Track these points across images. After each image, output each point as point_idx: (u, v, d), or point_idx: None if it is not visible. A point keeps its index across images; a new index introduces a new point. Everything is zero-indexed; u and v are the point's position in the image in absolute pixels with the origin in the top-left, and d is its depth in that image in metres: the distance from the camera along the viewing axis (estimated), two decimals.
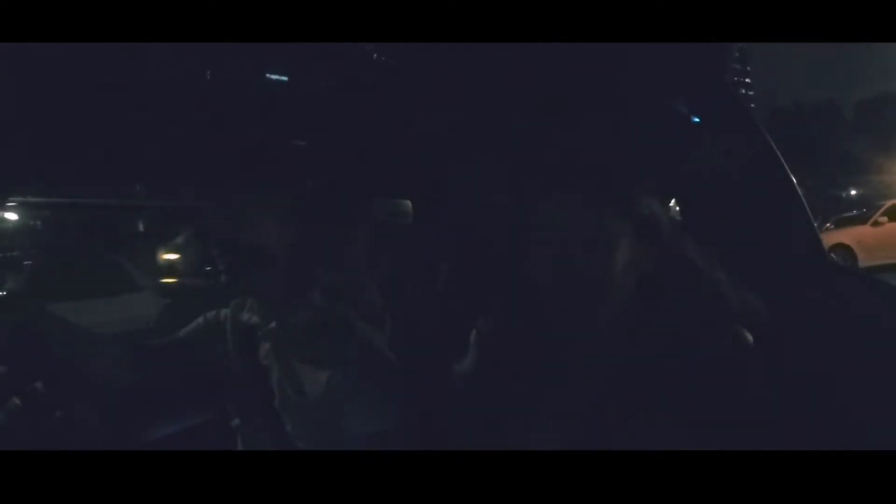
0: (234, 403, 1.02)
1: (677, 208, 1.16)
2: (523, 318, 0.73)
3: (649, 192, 0.70)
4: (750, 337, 0.63)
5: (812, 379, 0.71)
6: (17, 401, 0.85)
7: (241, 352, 0.98)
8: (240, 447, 0.99)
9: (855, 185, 22.84)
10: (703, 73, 0.99)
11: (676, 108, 1.06)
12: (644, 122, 1.08)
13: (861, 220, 9.01)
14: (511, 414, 0.69)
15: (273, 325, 0.93)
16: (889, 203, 8.97)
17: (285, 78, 1.01)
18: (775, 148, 0.97)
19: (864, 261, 7.92)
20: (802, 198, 0.97)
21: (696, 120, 1.05)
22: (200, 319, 1.08)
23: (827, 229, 9.05)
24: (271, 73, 1.00)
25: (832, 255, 0.99)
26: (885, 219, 8.48)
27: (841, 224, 9.36)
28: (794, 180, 0.98)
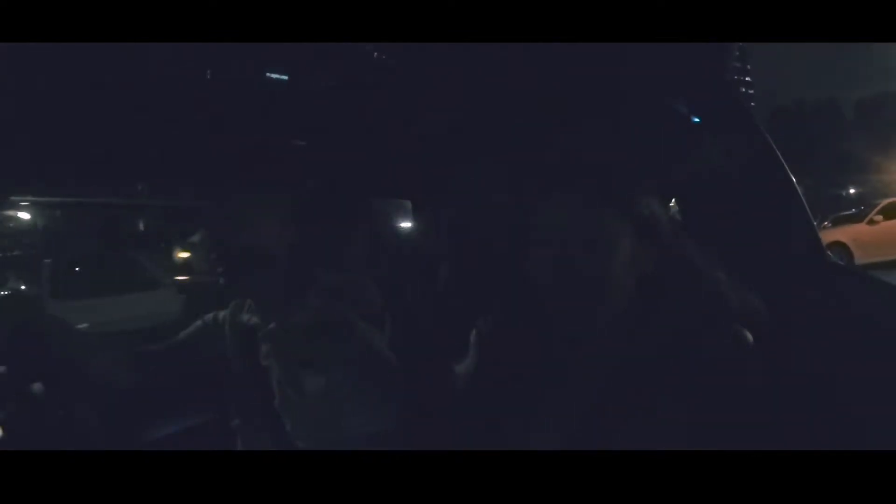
0: (234, 403, 1.02)
1: (677, 208, 1.16)
2: (523, 319, 0.73)
3: (649, 192, 0.70)
4: (750, 337, 0.63)
5: (812, 379, 0.71)
6: (17, 401, 0.85)
7: (240, 352, 0.98)
8: (240, 447, 0.99)
9: (854, 183, 22.85)
10: (703, 73, 0.99)
11: (676, 108, 1.06)
12: (644, 122, 1.08)
13: (857, 218, 9.13)
14: (511, 414, 0.69)
15: (273, 325, 0.93)
16: (884, 202, 9.12)
17: (285, 78, 1.01)
18: (775, 148, 0.97)
19: (860, 258, 8.04)
20: (802, 197, 0.97)
21: (696, 120, 1.05)
22: (199, 321, 1.08)
23: (825, 228, 9.14)
24: (271, 73, 1.00)
25: (829, 252, 0.99)
26: (880, 217, 8.62)
27: (838, 222, 9.48)
28: (794, 180, 0.98)
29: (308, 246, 0.98)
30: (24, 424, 0.86)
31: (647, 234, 0.67)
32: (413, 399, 0.88)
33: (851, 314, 0.81)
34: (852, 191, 22.92)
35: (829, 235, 8.33)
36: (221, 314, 1.06)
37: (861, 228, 8.59)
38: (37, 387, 0.90)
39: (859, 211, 9.73)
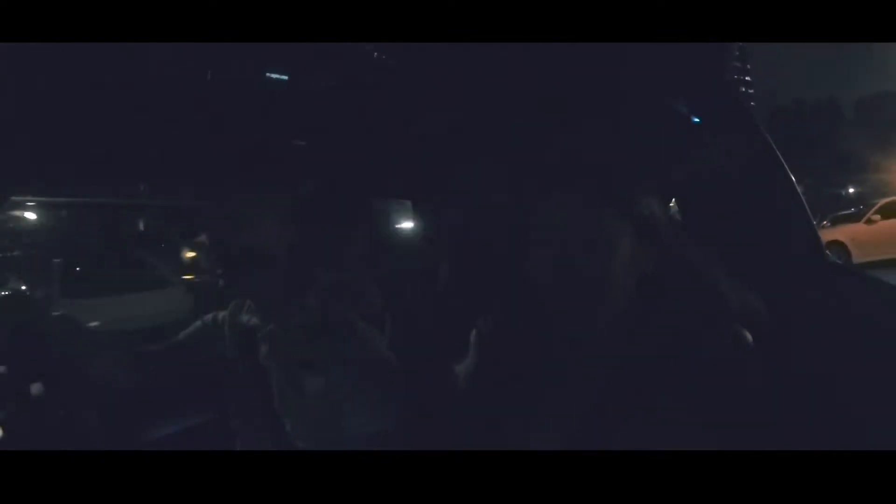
0: (234, 403, 1.02)
1: (677, 208, 1.16)
2: (523, 319, 0.73)
3: (649, 192, 0.70)
4: (750, 337, 0.63)
5: (812, 379, 0.71)
6: (17, 401, 0.85)
7: (240, 352, 0.98)
8: (240, 447, 0.99)
9: (853, 183, 22.85)
10: (703, 73, 0.98)
11: (676, 108, 1.06)
12: (644, 122, 1.08)
13: (855, 217, 9.21)
14: (511, 414, 0.69)
15: (273, 325, 0.93)
16: (882, 202, 9.21)
17: (285, 78, 1.01)
18: (775, 148, 0.97)
19: (857, 257, 8.14)
20: (802, 197, 0.97)
21: (696, 120, 1.05)
22: (199, 321, 1.08)
23: (824, 227, 9.22)
24: (271, 73, 0.99)
25: (827, 252, 0.99)
26: (878, 217, 8.71)
27: (836, 222, 9.56)
28: (794, 180, 0.97)
29: (308, 246, 0.98)
30: (24, 424, 0.87)
31: (647, 234, 0.67)
32: (413, 399, 0.88)
33: (851, 314, 0.81)
34: (851, 190, 22.91)
35: (827, 235, 8.41)
36: (221, 314, 1.06)
37: (859, 228, 8.68)
38: (37, 387, 0.91)
39: (857, 210, 9.80)
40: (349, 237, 1.21)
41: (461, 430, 0.73)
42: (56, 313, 0.99)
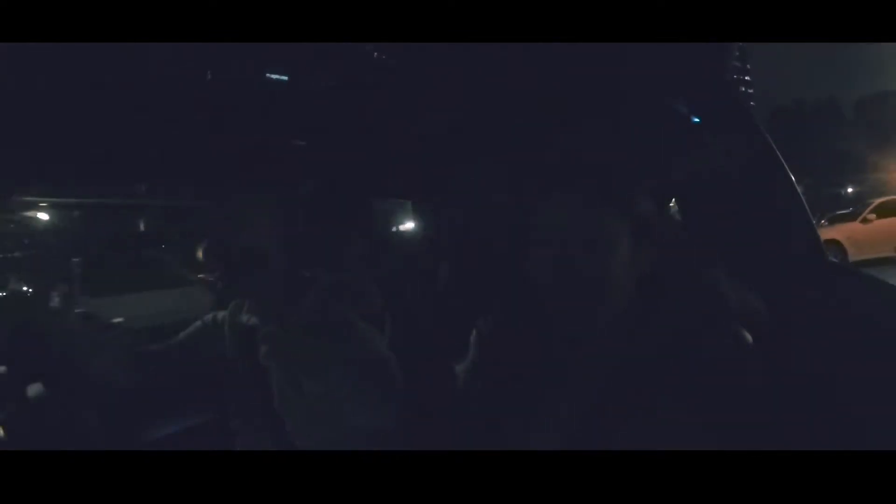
0: (234, 403, 1.02)
1: (677, 208, 1.16)
2: (523, 319, 0.73)
3: (649, 192, 0.70)
4: (750, 337, 0.63)
5: (812, 379, 0.71)
6: (17, 401, 0.85)
7: (240, 352, 0.98)
8: (240, 447, 0.99)
9: (853, 183, 22.87)
10: (703, 73, 0.98)
11: (676, 108, 1.06)
12: (644, 122, 1.08)
13: (852, 217, 9.35)
14: (511, 414, 0.69)
15: (273, 325, 0.93)
16: (877, 201, 9.38)
17: (285, 78, 1.01)
18: (775, 148, 0.97)
19: (853, 256, 8.30)
20: (802, 197, 0.97)
21: (696, 120, 1.05)
22: (199, 321, 1.08)
23: (822, 226, 9.33)
24: (271, 73, 0.99)
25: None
26: (873, 216, 8.86)
27: (834, 221, 9.69)
28: (794, 179, 0.97)
29: (308, 246, 0.98)
30: (24, 424, 0.87)
31: (647, 234, 0.67)
32: (413, 399, 0.88)
33: (851, 314, 0.81)
34: (850, 190, 22.93)
35: (824, 234, 8.55)
36: (221, 314, 1.06)
37: (855, 227, 8.81)
38: (37, 387, 0.91)
39: (854, 210, 9.94)
40: (349, 237, 1.21)
41: (461, 430, 0.73)
42: (66, 312, 1.00)
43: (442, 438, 0.72)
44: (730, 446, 0.51)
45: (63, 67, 0.79)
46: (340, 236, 1.19)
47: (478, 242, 1.28)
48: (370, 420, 0.85)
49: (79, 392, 0.97)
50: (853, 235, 8.55)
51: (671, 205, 1.17)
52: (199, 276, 0.93)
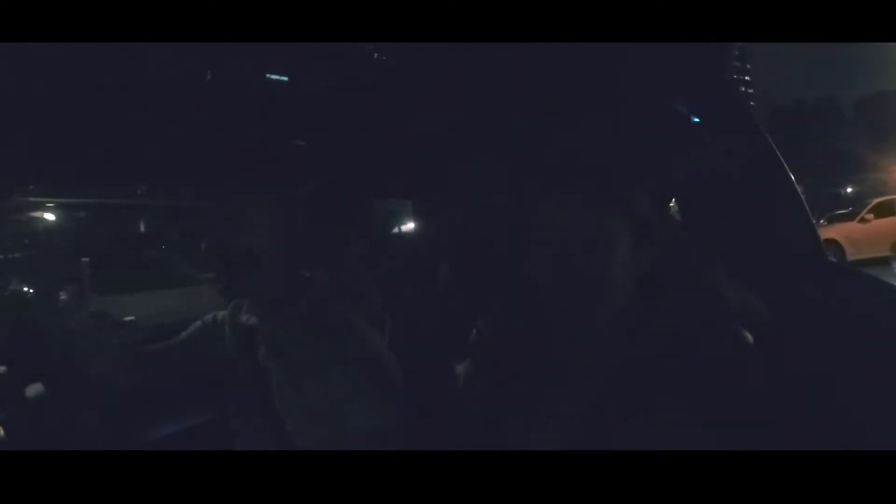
0: (234, 403, 1.02)
1: (677, 208, 1.16)
2: (523, 319, 0.73)
3: (649, 192, 0.70)
4: (750, 337, 0.63)
5: (812, 379, 0.71)
6: (17, 401, 0.85)
7: (240, 352, 0.98)
8: (240, 447, 0.99)
9: (852, 182, 22.89)
10: (703, 73, 0.98)
11: (676, 108, 1.06)
12: (644, 122, 1.08)
13: (850, 216, 9.49)
14: (511, 414, 0.69)
15: (273, 325, 0.93)
16: (875, 201, 9.51)
17: (285, 78, 1.01)
18: (775, 148, 0.97)
19: (851, 255, 8.44)
20: (802, 197, 0.97)
21: (696, 120, 1.05)
22: (199, 321, 1.08)
23: (820, 226, 9.40)
24: (271, 73, 0.99)
25: None
26: (871, 216, 8.99)
27: (832, 221, 9.82)
28: (794, 179, 0.98)
29: (308, 246, 0.98)
30: (24, 424, 0.87)
31: (647, 234, 0.67)
32: (413, 399, 0.88)
33: (851, 314, 0.81)
34: (850, 190, 22.95)
35: (823, 233, 8.61)
36: (221, 314, 1.06)
37: (853, 226, 8.93)
38: (37, 387, 0.91)
39: (852, 210, 10.06)
40: (349, 237, 1.21)
41: (461, 430, 0.73)
42: (77, 311, 1.00)
43: (442, 438, 0.72)
44: (730, 446, 0.51)
45: (63, 67, 0.79)
46: (340, 236, 1.19)
47: (478, 242, 1.28)
48: (370, 420, 0.85)
49: (79, 392, 0.97)
50: (851, 235, 8.67)
51: (671, 205, 1.17)
52: (207, 275, 0.93)
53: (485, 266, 1.10)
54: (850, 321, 0.80)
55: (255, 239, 0.90)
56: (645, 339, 0.64)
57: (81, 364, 0.95)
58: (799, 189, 0.98)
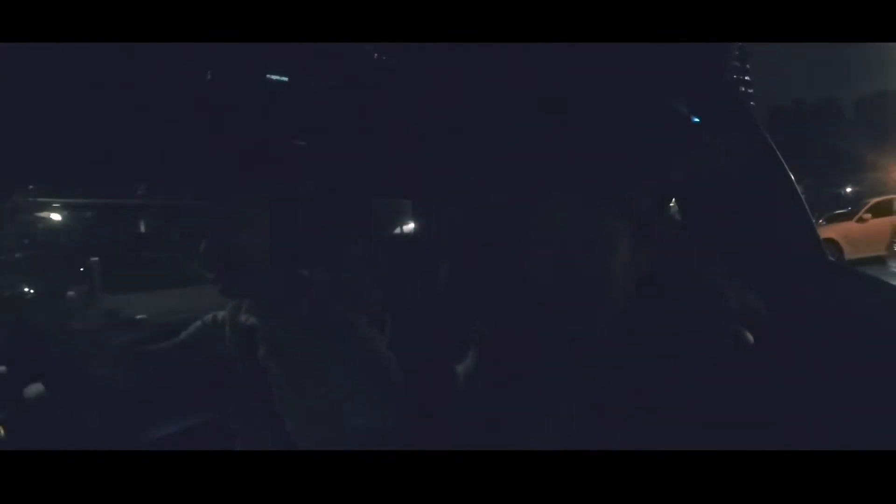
0: (234, 403, 1.02)
1: (677, 208, 1.16)
2: (523, 319, 0.73)
3: (649, 192, 0.70)
4: (750, 337, 0.63)
5: (812, 379, 0.71)
6: (17, 401, 0.85)
7: (240, 352, 0.98)
8: (240, 447, 0.99)
9: (852, 182, 22.90)
10: (703, 73, 0.98)
11: (676, 108, 1.06)
12: (644, 122, 1.08)
13: (848, 216, 9.58)
14: (511, 414, 0.69)
15: (273, 325, 0.93)
16: (873, 201, 9.64)
17: (285, 78, 1.01)
18: (775, 148, 0.97)
19: (849, 254, 8.55)
20: (802, 197, 0.97)
21: (696, 120, 1.05)
22: (199, 321, 1.08)
23: (819, 226, 9.45)
24: (271, 73, 0.99)
25: None
26: (868, 215, 9.12)
27: (831, 220, 9.89)
28: (794, 179, 0.98)
29: (308, 246, 0.98)
30: (24, 424, 0.87)
31: (648, 234, 0.67)
32: (413, 399, 0.88)
33: (851, 314, 0.81)
34: (850, 189, 22.95)
35: (822, 233, 8.59)
36: (221, 314, 1.06)
37: (851, 226, 9.03)
38: (37, 387, 0.91)
39: (851, 209, 10.13)
40: (349, 237, 1.21)
41: (461, 430, 0.73)
42: (87, 310, 1.00)
43: (442, 438, 0.72)
44: (730, 446, 0.51)
45: (63, 67, 0.79)
46: (340, 236, 1.19)
47: (478, 242, 1.28)
48: (370, 420, 0.85)
49: (79, 392, 0.97)
50: (849, 234, 8.78)
51: (671, 205, 1.17)
52: (207, 275, 0.93)
53: (485, 266, 1.10)
54: (850, 321, 0.80)
55: (255, 239, 0.90)
56: (645, 339, 0.64)
57: (81, 364, 0.95)
58: (799, 189, 0.98)
